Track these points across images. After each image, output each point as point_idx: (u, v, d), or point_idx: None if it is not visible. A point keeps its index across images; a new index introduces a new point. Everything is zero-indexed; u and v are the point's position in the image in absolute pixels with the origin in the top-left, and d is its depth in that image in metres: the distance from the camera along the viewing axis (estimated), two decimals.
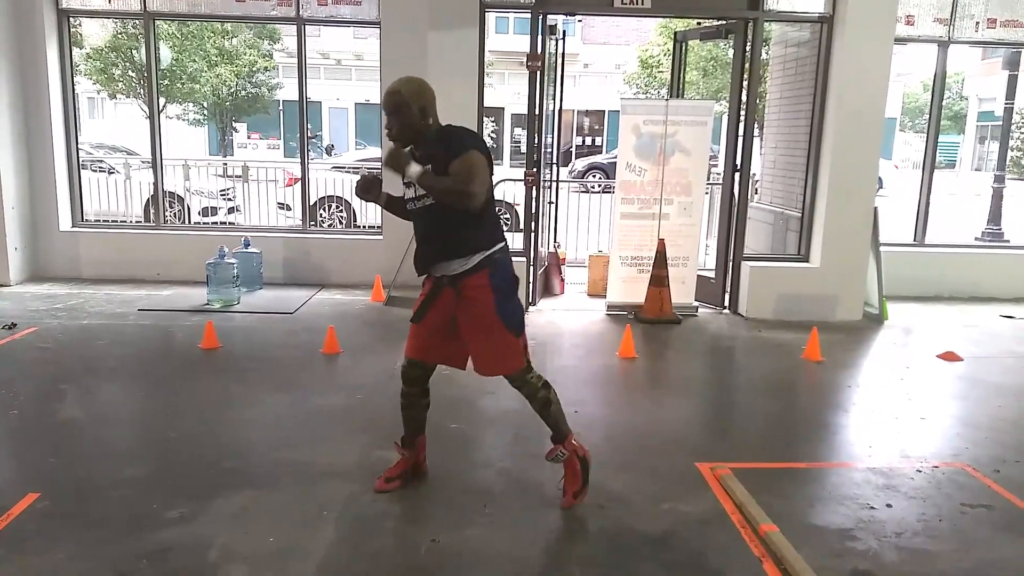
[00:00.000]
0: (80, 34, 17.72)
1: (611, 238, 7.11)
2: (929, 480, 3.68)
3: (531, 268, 6.81)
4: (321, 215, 9.70)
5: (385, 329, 6.23)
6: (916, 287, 7.65)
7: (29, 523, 3.06)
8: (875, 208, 6.87)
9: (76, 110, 7.75)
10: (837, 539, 3.12)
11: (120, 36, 19.25)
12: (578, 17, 17.89)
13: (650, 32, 24.80)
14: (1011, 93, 10.04)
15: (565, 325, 6.55)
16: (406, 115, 3.10)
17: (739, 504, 3.33)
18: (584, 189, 14.29)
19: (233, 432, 4.11)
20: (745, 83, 6.66)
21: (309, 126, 8.44)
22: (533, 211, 6.82)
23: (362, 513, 3.22)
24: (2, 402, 4.37)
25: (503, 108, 30.28)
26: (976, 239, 9.98)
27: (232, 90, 22.19)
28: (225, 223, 9.44)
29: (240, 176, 9.38)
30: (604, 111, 31.92)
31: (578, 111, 30.96)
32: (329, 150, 27.33)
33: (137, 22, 11.75)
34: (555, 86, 7.26)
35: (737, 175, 6.87)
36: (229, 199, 10.16)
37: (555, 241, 7.78)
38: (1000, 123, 11.31)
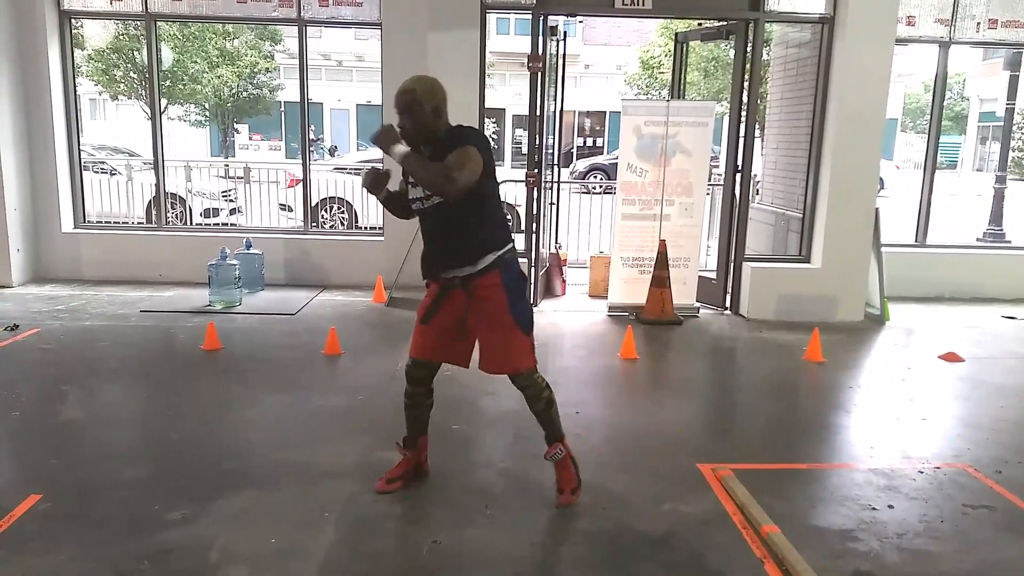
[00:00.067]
0: (82, 35, 17.76)
1: (612, 239, 7.11)
2: (931, 481, 3.68)
3: (532, 269, 6.81)
4: (323, 216, 9.71)
5: (387, 330, 6.23)
6: (917, 288, 7.65)
7: (31, 524, 3.06)
8: (876, 209, 6.87)
9: (78, 111, 7.77)
10: (839, 540, 3.11)
11: (122, 37, 19.29)
12: (579, 18, 17.93)
13: (651, 33, 24.81)
14: (1012, 94, 10.03)
15: (566, 326, 6.55)
16: (418, 114, 3.09)
17: (740, 505, 3.33)
18: (585, 190, 14.27)
19: (234, 433, 4.11)
20: (746, 84, 6.66)
21: (312, 128, 8.44)
22: (534, 212, 6.83)
23: (363, 514, 3.22)
24: (4, 403, 4.37)
25: (504, 109, 30.32)
26: (977, 240, 9.98)
27: (233, 91, 22.23)
28: (227, 224, 9.46)
29: (242, 177, 9.40)
30: (605, 112, 31.92)
31: (579, 112, 30.95)
32: (332, 151, 27.38)
33: (139, 23, 11.77)
34: (556, 87, 7.26)
35: (738, 176, 6.87)
36: (231, 200, 10.17)
37: (556, 242, 7.78)
38: (1001, 124, 11.30)
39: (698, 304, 7.04)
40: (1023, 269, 7.97)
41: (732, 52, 7.25)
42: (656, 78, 23.82)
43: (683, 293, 6.85)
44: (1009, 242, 9.62)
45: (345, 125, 32.12)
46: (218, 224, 9.44)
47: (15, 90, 7.20)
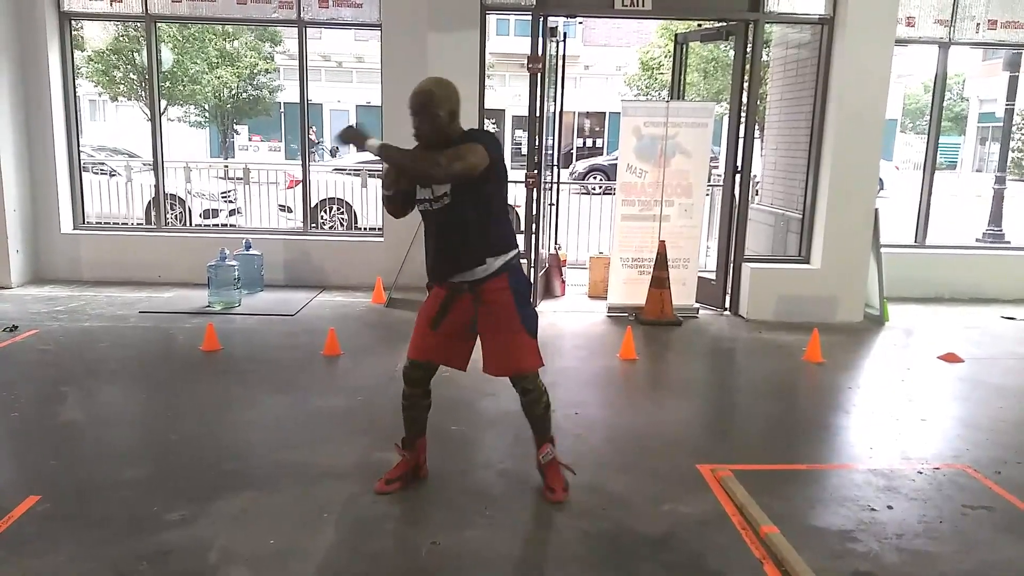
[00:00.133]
0: (82, 37, 17.77)
1: (612, 240, 7.11)
2: (930, 481, 3.68)
3: (532, 270, 6.81)
4: (322, 217, 9.71)
5: (386, 331, 6.23)
6: (917, 288, 7.65)
7: (30, 525, 3.06)
8: (876, 209, 6.87)
9: (77, 112, 7.77)
10: (838, 541, 3.11)
11: (121, 39, 19.29)
12: (579, 19, 17.89)
13: (651, 34, 24.82)
14: (1012, 94, 10.05)
15: (566, 327, 6.55)
16: (434, 115, 3.09)
17: (740, 506, 3.33)
18: (585, 191, 14.28)
19: (233, 434, 4.11)
20: (746, 85, 6.66)
21: (313, 129, 8.44)
22: (534, 213, 6.83)
23: (362, 515, 3.22)
24: (3, 404, 4.37)
25: (504, 110, 30.35)
26: (977, 240, 9.99)
27: (233, 92, 22.23)
28: (226, 225, 9.46)
29: (241, 178, 9.38)
30: (605, 113, 31.98)
31: (579, 113, 31.00)
32: (334, 152, 27.38)
33: (138, 25, 11.79)
34: (556, 88, 7.26)
35: (738, 176, 6.88)
36: (230, 201, 10.17)
37: (556, 243, 7.78)
38: (1001, 124, 11.32)
39: (697, 305, 7.04)
40: (1022, 269, 7.97)
41: (732, 53, 7.26)
42: (656, 79, 23.83)
43: (682, 294, 6.85)
44: (1008, 243, 9.64)
45: (345, 126, 32.11)
46: (217, 225, 9.44)
47: (15, 91, 7.20)
